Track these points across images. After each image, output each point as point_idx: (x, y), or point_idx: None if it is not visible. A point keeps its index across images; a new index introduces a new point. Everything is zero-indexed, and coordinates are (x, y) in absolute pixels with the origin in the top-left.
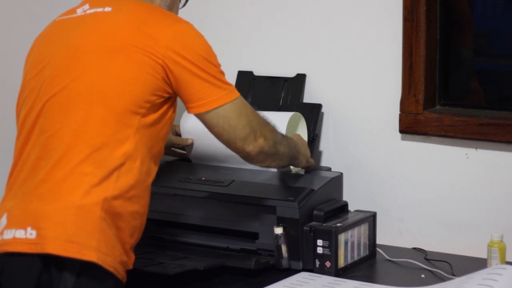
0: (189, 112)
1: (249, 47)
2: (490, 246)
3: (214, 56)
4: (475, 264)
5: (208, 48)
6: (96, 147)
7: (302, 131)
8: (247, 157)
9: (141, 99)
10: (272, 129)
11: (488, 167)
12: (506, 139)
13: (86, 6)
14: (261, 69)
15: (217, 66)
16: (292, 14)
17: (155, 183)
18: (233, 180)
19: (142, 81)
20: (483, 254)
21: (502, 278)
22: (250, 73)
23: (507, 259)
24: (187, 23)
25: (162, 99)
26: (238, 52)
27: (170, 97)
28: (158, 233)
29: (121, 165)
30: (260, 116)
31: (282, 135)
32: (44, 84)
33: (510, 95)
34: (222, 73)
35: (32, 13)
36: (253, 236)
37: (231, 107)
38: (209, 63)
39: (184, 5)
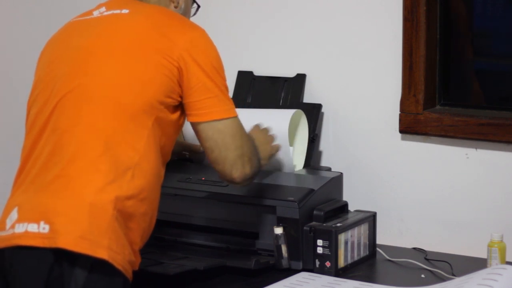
0: (187, 119)
1: (249, 47)
2: (490, 246)
3: (223, 69)
4: (475, 264)
5: (220, 60)
6: (111, 145)
7: (303, 129)
8: (231, 182)
9: (156, 100)
10: (257, 155)
11: (488, 167)
12: (506, 139)
13: (103, 9)
14: (261, 69)
15: (224, 79)
16: (292, 14)
17: None
18: None
19: (157, 82)
20: (483, 254)
21: (502, 278)
22: (250, 73)
23: (507, 259)
24: (202, 30)
25: (176, 103)
26: (238, 52)
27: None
28: (158, 233)
29: (136, 164)
30: (251, 141)
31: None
32: (59, 82)
33: (510, 95)
34: (227, 88)
35: (36, 15)
36: (253, 236)
37: (230, 124)
38: (218, 75)
39: (195, 13)
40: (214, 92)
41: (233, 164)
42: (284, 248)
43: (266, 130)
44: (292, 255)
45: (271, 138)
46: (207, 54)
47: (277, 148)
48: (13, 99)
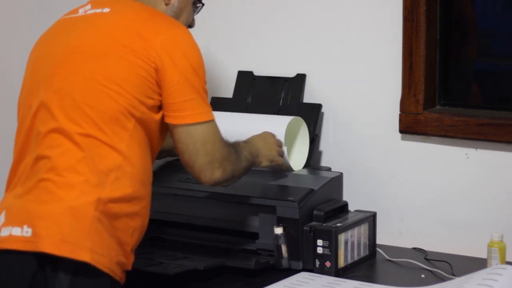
0: (164, 119)
1: (249, 47)
2: (490, 246)
3: (203, 70)
4: (475, 264)
5: (199, 61)
6: (90, 148)
7: (303, 136)
8: (200, 182)
9: (136, 101)
10: (233, 159)
11: (488, 167)
12: (506, 139)
13: (88, 7)
14: (261, 69)
15: (203, 82)
16: (292, 14)
17: (155, 183)
18: None
19: (135, 84)
20: (483, 254)
21: (502, 278)
22: (250, 73)
23: (507, 259)
24: (184, 30)
25: (159, 103)
26: (238, 52)
27: None
28: (158, 233)
29: (118, 166)
30: (226, 146)
31: (242, 149)
32: (41, 85)
33: (510, 95)
34: (206, 91)
35: (33, 12)
36: (253, 236)
37: (202, 129)
38: (196, 76)
39: (198, 11)
40: (191, 95)
41: (202, 169)
42: (284, 248)
43: (274, 137)
44: (292, 255)
45: (277, 142)
46: (185, 54)
47: (280, 163)
48: (14, 99)
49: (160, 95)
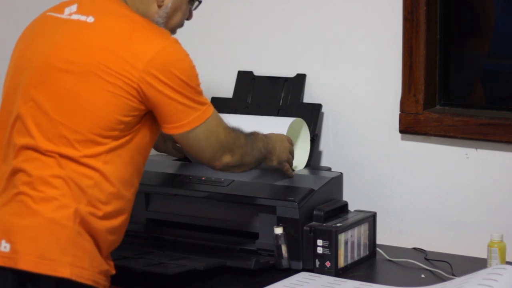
0: (162, 130)
1: (249, 47)
2: (490, 246)
3: (194, 76)
4: (475, 264)
5: (188, 69)
6: (67, 165)
7: (304, 137)
8: (212, 168)
9: (114, 121)
10: (242, 144)
11: (488, 167)
12: (506, 139)
13: (74, 8)
14: (261, 69)
15: (195, 87)
16: (292, 14)
17: (155, 183)
18: (233, 180)
19: (114, 104)
20: (483, 254)
21: (502, 278)
22: (250, 73)
23: (507, 259)
24: (169, 43)
25: (138, 118)
26: (238, 52)
27: (149, 111)
28: (158, 233)
29: (94, 184)
30: (231, 132)
31: (257, 139)
32: (20, 92)
33: (510, 95)
34: (199, 92)
35: (30, 8)
36: (253, 236)
37: (202, 130)
38: (186, 85)
39: (195, 8)
40: (184, 104)
41: (211, 158)
42: (284, 248)
43: (290, 143)
44: (292, 255)
45: (290, 149)
46: (173, 71)
47: (286, 169)
48: None
49: (144, 109)
